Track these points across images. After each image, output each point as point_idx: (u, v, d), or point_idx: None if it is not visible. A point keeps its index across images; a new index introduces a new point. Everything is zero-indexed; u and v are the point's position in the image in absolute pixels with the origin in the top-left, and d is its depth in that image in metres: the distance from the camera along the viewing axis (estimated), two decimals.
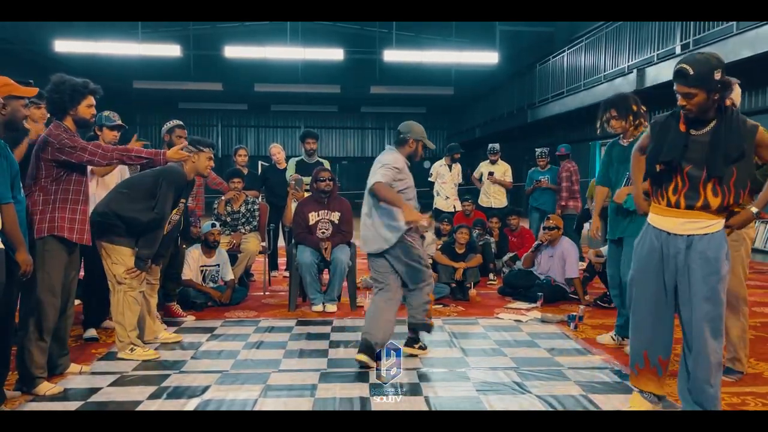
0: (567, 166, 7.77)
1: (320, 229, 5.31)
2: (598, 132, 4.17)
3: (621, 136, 4.05)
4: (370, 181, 3.66)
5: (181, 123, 5.10)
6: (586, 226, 7.99)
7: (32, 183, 3.26)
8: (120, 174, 4.50)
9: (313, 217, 5.32)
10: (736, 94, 3.34)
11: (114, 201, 3.81)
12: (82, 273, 3.97)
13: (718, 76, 2.60)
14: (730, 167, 2.64)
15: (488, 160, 8.42)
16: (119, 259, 3.78)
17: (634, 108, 3.90)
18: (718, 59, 2.65)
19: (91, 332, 4.28)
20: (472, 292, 5.81)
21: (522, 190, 9.10)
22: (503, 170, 8.31)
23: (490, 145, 8.46)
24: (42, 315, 3.20)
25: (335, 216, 5.35)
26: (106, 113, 4.40)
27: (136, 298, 3.87)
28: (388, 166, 3.68)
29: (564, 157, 7.92)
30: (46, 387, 3.21)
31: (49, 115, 3.67)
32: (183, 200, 4.12)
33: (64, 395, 3.19)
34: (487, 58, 18.37)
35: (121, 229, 3.78)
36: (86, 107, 3.39)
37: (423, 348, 4.00)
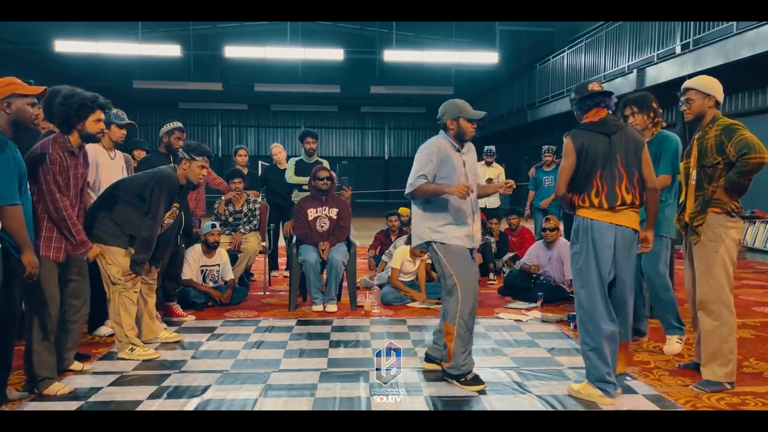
0: None
1: (319, 225, 5.36)
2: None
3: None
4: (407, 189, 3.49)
5: (180, 126, 5.08)
6: None
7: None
8: (122, 172, 4.49)
9: (311, 213, 5.38)
10: (717, 91, 3.33)
11: (106, 202, 3.82)
12: None
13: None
14: None
15: (483, 161, 8.40)
16: (113, 260, 3.78)
17: (654, 105, 3.98)
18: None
19: (104, 330, 4.32)
20: None
21: (522, 190, 9.08)
22: (497, 173, 8.32)
23: (486, 147, 8.45)
24: (43, 314, 3.17)
25: (333, 212, 5.41)
26: (114, 111, 4.40)
27: (132, 298, 3.87)
28: (418, 160, 3.45)
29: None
30: (56, 387, 3.20)
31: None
32: (176, 204, 4.11)
33: (64, 395, 3.19)
34: (487, 58, 18.37)
35: (113, 230, 3.78)
36: (94, 122, 3.32)
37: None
